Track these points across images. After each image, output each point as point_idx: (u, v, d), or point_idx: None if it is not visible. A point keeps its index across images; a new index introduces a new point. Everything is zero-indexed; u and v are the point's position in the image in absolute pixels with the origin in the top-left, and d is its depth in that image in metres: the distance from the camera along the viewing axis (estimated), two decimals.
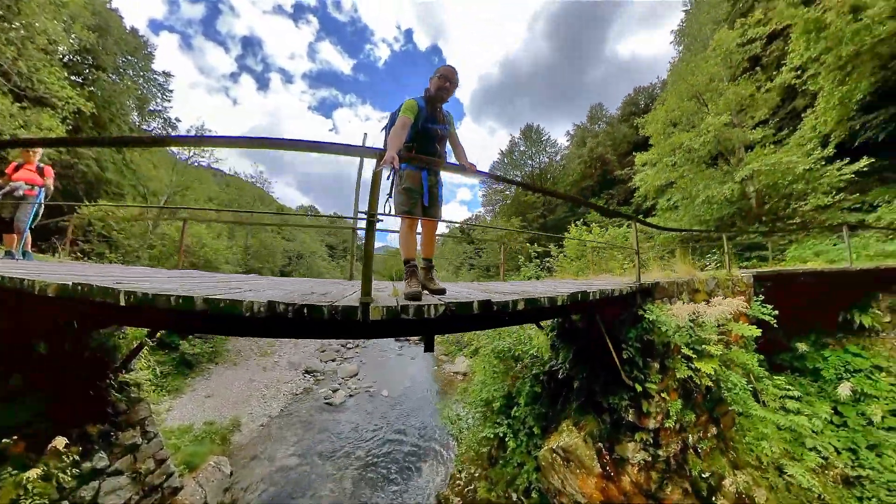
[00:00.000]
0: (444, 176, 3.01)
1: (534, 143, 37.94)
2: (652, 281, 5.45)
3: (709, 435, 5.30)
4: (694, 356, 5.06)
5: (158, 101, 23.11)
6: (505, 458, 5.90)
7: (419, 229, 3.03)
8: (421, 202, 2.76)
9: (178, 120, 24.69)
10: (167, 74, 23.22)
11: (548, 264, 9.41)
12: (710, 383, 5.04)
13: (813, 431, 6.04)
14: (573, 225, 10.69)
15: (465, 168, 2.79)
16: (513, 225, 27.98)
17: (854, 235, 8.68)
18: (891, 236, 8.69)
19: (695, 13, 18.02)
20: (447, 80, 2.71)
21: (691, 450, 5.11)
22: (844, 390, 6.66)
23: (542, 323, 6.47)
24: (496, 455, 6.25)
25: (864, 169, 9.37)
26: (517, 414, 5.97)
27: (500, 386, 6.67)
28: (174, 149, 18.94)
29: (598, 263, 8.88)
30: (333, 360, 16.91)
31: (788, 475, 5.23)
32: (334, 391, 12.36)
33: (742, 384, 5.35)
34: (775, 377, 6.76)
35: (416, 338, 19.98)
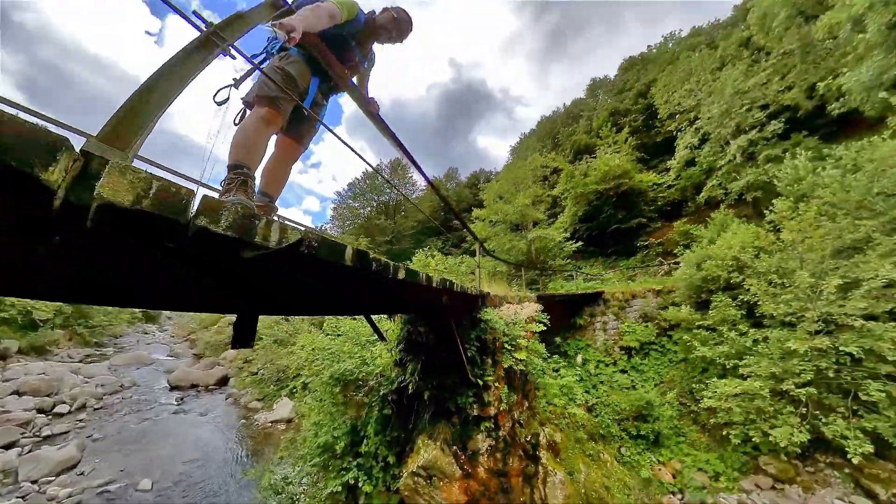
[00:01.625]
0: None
1: (399, 176, 39.98)
2: (486, 291, 6.47)
3: (524, 408, 6.51)
4: (512, 349, 6.19)
5: None
6: None
7: (274, 145, 2.06)
8: (294, 112, 1.94)
9: None
10: None
11: None
12: (523, 367, 6.23)
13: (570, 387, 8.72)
14: (420, 251, 12.08)
15: (368, 103, 2.30)
16: (360, 244, 27.25)
17: (578, 276, 16.90)
18: (591, 278, 17.02)
19: (525, 140, 41.23)
20: (399, 25, 2.25)
21: (517, 423, 6.03)
22: (578, 360, 10.27)
23: (389, 336, 6.09)
24: None
25: (577, 247, 17.76)
26: (367, 449, 5.00)
27: (341, 422, 5.48)
28: None
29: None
30: (13, 446, 8.52)
31: (570, 414, 7.12)
32: None
33: (540, 364, 6.97)
34: (552, 357, 9.46)
35: (209, 384, 13.91)
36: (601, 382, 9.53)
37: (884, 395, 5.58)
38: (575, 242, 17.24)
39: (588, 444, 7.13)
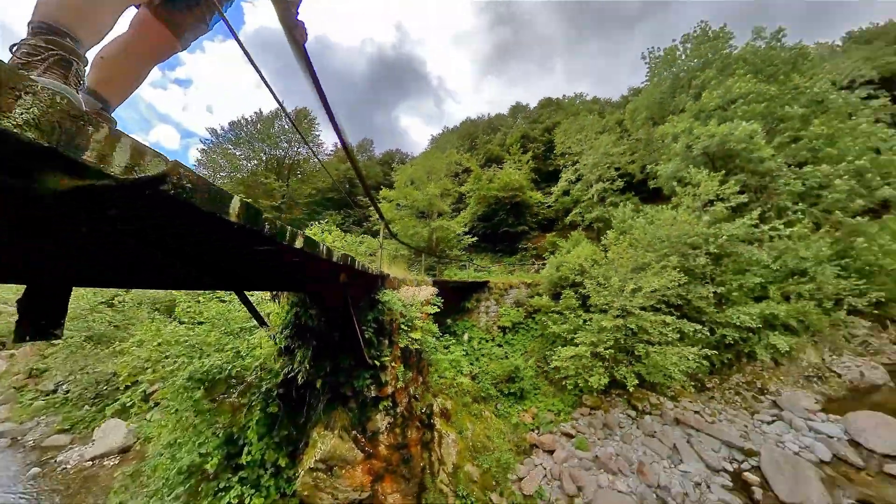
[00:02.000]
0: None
1: (305, 129, 31.84)
2: (387, 273, 6.48)
3: (419, 383, 6.94)
4: (409, 329, 6.48)
5: None
6: None
7: (130, 22, 1.26)
8: None
9: None
10: None
11: None
12: (418, 346, 6.61)
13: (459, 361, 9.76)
14: (314, 224, 10.51)
15: (294, 25, 1.58)
16: None
17: (470, 267, 18.55)
18: (480, 269, 19.09)
19: (447, 134, 44.13)
20: None
21: (413, 398, 6.40)
22: (465, 337, 11.57)
23: (272, 321, 5.40)
24: None
25: (473, 241, 19.75)
26: (251, 458, 4.27)
27: (210, 434, 4.51)
28: None
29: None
30: None
31: (458, 383, 8.00)
32: None
33: (433, 342, 7.53)
34: (444, 336, 10.31)
35: None
36: (482, 355, 11.07)
37: (644, 352, 8.64)
38: (472, 237, 19.15)
39: (473, 406, 8.22)
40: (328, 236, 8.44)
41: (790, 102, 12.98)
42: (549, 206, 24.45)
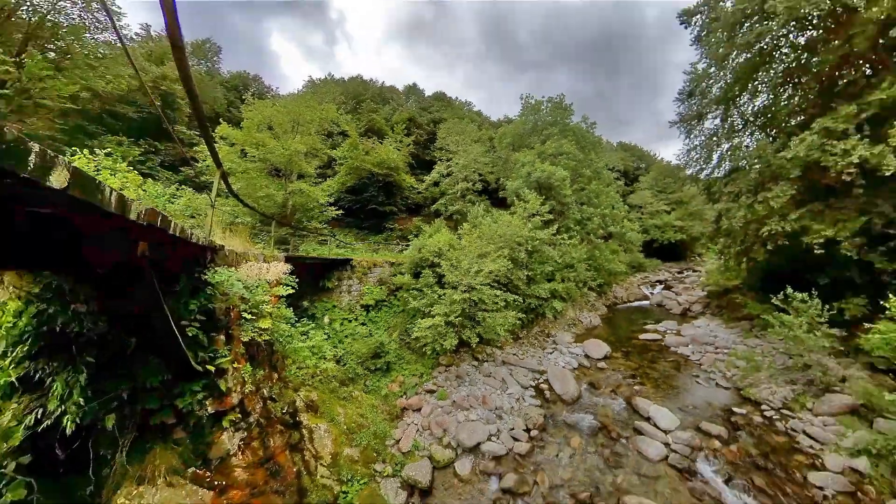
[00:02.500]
0: None
1: None
2: (219, 244, 4.83)
3: (275, 380, 5.85)
4: (254, 317, 5.21)
5: None
6: None
7: None
8: None
9: None
10: None
11: None
12: (268, 337, 5.47)
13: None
14: (82, 154, 5.71)
15: None
16: None
17: (332, 242, 16.15)
18: (343, 246, 17.39)
19: (331, 84, 38.11)
20: None
21: (269, 399, 5.34)
22: (326, 320, 10.55)
23: None
24: None
25: (338, 214, 17.32)
26: None
27: None
28: None
29: None
30: None
31: (322, 370, 7.29)
32: None
33: (287, 329, 6.45)
34: (301, 321, 8.96)
35: None
36: (346, 336, 10.50)
37: (482, 317, 10.77)
38: (337, 209, 16.95)
39: (341, 390, 7.75)
40: (112, 179, 4.73)
41: (586, 167, 21.04)
42: (419, 192, 25.98)
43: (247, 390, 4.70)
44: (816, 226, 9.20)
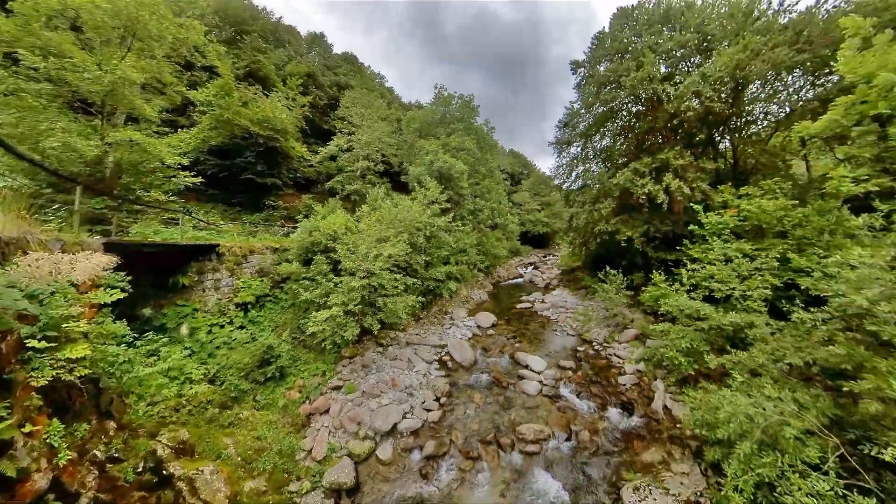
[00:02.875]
0: None
1: None
2: None
3: (112, 431, 4.30)
4: (55, 346, 3.60)
5: None
6: None
7: None
8: None
9: None
10: None
11: None
12: (87, 371, 3.80)
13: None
14: None
15: None
16: None
17: (186, 221, 11.53)
18: (205, 227, 12.99)
19: None
20: None
21: (109, 461, 3.96)
22: (184, 330, 8.08)
23: None
24: None
25: (195, 183, 11.99)
26: None
27: None
28: None
29: None
30: None
31: (190, 396, 5.75)
32: None
33: (121, 354, 4.82)
34: (144, 337, 6.55)
35: None
36: (219, 347, 8.37)
37: (383, 303, 10.61)
38: (194, 175, 11.95)
39: (224, 416, 6.28)
40: None
41: (482, 165, 23.40)
42: (311, 166, 22.26)
43: (62, 461, 3.32)
44: (623, 229, 13.85)
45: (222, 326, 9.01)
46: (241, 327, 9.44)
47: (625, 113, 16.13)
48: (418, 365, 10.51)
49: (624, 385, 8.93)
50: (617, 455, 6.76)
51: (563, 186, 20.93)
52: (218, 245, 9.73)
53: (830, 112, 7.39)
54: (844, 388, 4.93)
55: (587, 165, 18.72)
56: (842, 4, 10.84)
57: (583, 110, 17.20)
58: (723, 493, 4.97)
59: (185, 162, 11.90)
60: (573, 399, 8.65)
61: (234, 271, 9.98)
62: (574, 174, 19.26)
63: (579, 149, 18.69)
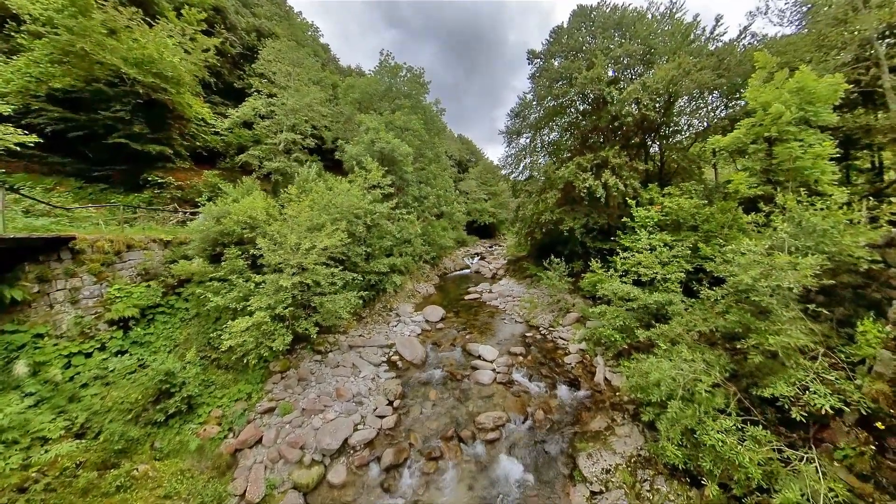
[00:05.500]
0: None
1: None
2: None
3: None
4: None
5: None
6: None
7: None
8: None
9: None
10: None
11: None
12: None
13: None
14: None
15: None
16: None
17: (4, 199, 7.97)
18: (45, 211, 9.29)
19: None
20: None
21: None
22: (21, 369, 5.88)
23: None
24: None
25: (24, 143, 8.47)
26: None
27: None
28: None
29: None
30: None
31: (44, 464, 4.36)
32: None
33: None
34: None
35: None
36: (86, 385, 6.35)
37: (319, 302, 9.44)
38: (24, 133, 8.36)
39: (107, 479, 4.85)
40: None
41: (429, 149, 22.91)
42: (217, 133, 17.96)
43: None
44: (567, 219, 15.13)
45: (89, 355, 6.85)
46: (122, 352, 7.37)
47: (573, 110, 17.44)
48: (365, 369, 9.92)
49: (569, 364, 9.97)
50: (569, 427, 7.56)
51: (511, 177, 21.80)
52: (72, 238, 7.19)
53: (736, 131, 9.25)
54: (738, 347, 6.47)
55: (535, 157, 19.81)
56: (755, 42, 13.45)
57: (535, 102, 17.94)
58: (659, 444, 6.01)
59: (6, 110, 8.58)
60: (526, 382, 9.31)
61: (101, 275, 7.59)
62: (522, 165, 20.19)
63: (528, 140, 19.59)
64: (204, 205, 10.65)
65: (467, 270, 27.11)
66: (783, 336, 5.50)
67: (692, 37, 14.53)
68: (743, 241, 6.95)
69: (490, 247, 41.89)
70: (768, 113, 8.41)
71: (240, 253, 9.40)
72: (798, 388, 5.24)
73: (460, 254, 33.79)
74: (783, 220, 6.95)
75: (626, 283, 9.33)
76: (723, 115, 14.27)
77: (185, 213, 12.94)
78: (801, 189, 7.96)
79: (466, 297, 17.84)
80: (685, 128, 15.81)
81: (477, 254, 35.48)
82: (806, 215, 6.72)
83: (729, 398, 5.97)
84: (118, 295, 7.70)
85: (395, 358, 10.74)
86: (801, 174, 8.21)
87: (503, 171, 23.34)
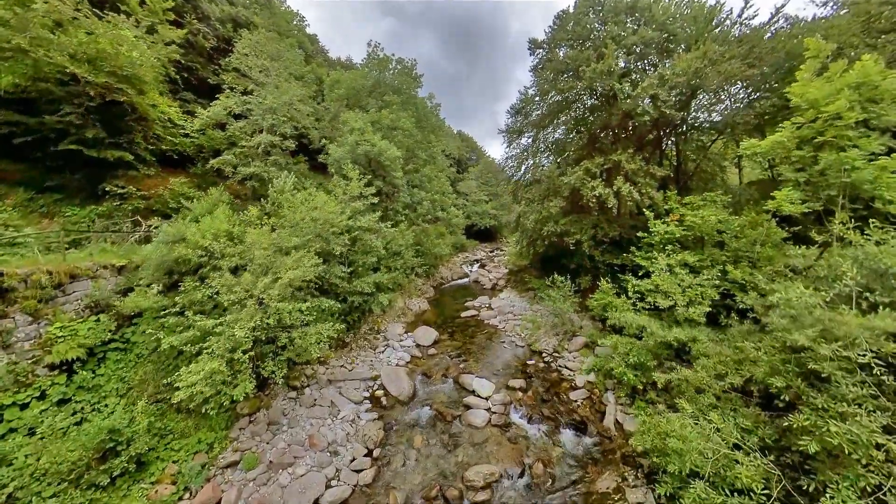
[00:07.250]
0: None
1: None
2: None
3: None
4: None
5: None
6: None
7: None
8: None
9: None
10: None
11: None
12: None
13: None
14: None
15: None
16: None
17: None
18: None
19: None
20: None
21: None
22: None
23: None
24: None
25: None
26: None
27: None
28: None
29: None
30: None
31: None
32: None
33: None
34: None
35: None
36: (17, 443, 6.07)
37: (287, 339, 8.63)
38: None
39: None
40: None
41: (422, 149, 22.54)
42: (186, 135, 17.56)
43: None
44: (573, 230, 14.55)
45: (25, 406, 6.59)
46: (64, 401, 7.09)
47: (579, 105, 16.69)
48: (345, 408, 9.53)
49: (576, 401, 9.48)
50: (572, 487, 7.05)
51: (512, 179, 21.34)
52: None
53: (778, 134, 8.30)
54: (785, 424, 5.37)
55: (537, 159, 19.24)
56: (786, 27, 12.61)
57: (537, 97, 17.30)
58: None
59: None
60: (525, 424, 8.83)
61: (39, 313, 7.33)
62: (523, 167, 19.62)
63: (530, 140, 19.02)
64: (171, 217, 10.28)
65: (466, 280, 26.73)
66: (851, 423, 4.47)
67: (716, 21, 13.81)
68: (796, 287, 5.84)
69: (491, 251, 41.44)
70: (823, 111, 7.41)
71: (197, 284, 9.02)
72: (868, 495, 4.24)
73: (459, 260, 33.33)
74: (848, 261, 5.70)
75: (640, 312, 8.76)
76: (748, 110, 13.44)
77: (148, 228, 12.57)
78: (858, 207, 7.07)
79: (463, 315, 17.40)
80: (706, 125, 15.02)
81: (476, 260, 35.07)
82: (879, 255, 5.47)
83: (771, 486, 4.90)
84: (60, 335, 7.42)
85: (380, 393, 10.33)
86: (859, 189, 7.09)
87: (505, 173, 22.98)
